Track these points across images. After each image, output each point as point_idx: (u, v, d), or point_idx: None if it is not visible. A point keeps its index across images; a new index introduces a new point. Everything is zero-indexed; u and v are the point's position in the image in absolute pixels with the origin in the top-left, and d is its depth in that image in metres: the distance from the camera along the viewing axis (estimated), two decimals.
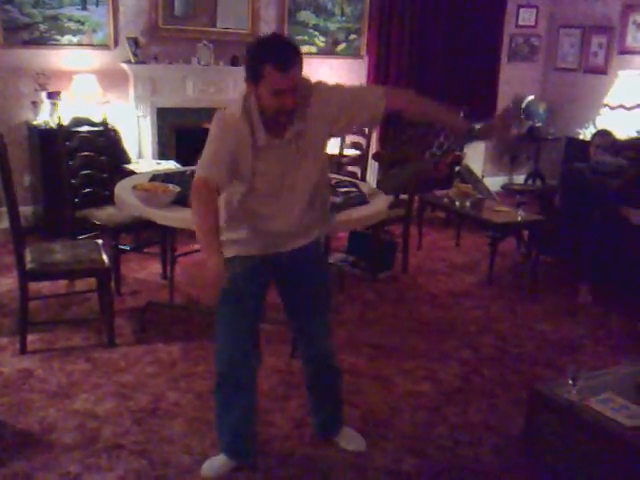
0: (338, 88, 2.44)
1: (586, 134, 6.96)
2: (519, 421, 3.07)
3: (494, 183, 7.50)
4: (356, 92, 2.51)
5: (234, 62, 6.13)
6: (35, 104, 5.51)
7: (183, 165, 5.20)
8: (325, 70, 6.71)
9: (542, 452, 2.88)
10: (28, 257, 3.58)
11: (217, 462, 2.68)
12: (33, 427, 2.92)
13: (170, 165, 5.42)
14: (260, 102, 2.25)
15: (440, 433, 3.06)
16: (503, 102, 7.71)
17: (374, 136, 6.17)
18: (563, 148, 7.38)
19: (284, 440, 2.93)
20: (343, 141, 5.54)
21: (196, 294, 2.30)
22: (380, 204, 3.89)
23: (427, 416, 3.19)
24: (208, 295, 2.27)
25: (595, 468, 2.67)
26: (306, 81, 2.33)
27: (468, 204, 5.26)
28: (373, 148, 6.07)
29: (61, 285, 4.38)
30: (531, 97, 7.70)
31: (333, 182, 4.26)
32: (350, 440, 2.89)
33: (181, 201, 3.57)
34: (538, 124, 7.68)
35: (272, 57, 2.15)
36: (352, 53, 6.87)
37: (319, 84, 2.40)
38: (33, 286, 3.70)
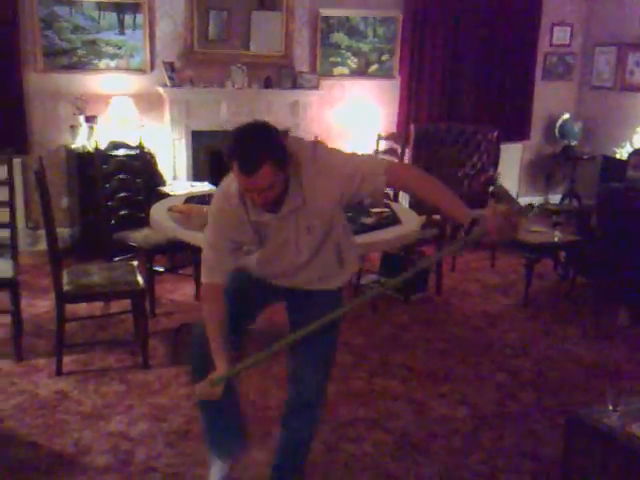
0: (339, 162, 2.23)
1: (622, 153, 6.85)
2: (556, 447, 2.99)
3: (529, 203, 7.40)
4: (358, 166, 2.21)
5: (267, 84, 6.20)
6: (73, 128, 5.63)
7: (217, 186, 5.24)
8: (357, 91, 6.75)
9: (580, 479, 2.80)
10: (65, 279, 3.63)
11: (214, 469, 2.64)
12: (68, 449, 2.95)
13: (204, 187, 5.47)
14: None
15: (476, 459, 3.00)
16: (537, 121, 7.64)
17: (406, 156, 6.16)
18: (599, 167, 7.26)
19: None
20: None
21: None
22: (413, 224, 3.87)
23: (463, 441, 3.14)
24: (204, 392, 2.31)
25: None
26: (297, 156, 2.17)
27: None
28: None
29: (97, 307, 4.44)
30: (566, 115, 7.61)
31: (365, 203, 4.27)
32: None
33: None
34: (573, 143, 7.58)
35: (236, 157, 2.02)
36: (384, 74, 6.88)
37: (317, 155, 2.21)
38: (70, 308, 3.75)
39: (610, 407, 2.77)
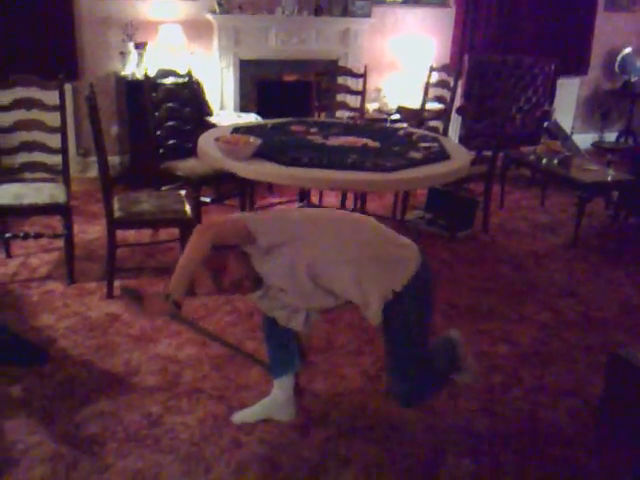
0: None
1: None
2: (598, 386, 2.99)
3: (584, 140, 7.18)
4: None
5: (318, 12, 6.05)
6: (123, 55, 5.62)
7: (264, 118, 5.22)
8: (410, 20, 6.55)
9: (620, 417, 2.80)
10: (116, 205, 3.70)
11: (248, 412, 2.76)
12: (118, 369, 3.07)
13: (251, 118, 5.45)
14: None
15: (516, 395, 3.02)
16: (597, 55, 7.31)
17: (459, 89, 5.99)
18: None
19: (356, 394, 2.96)
20: (426, 94, 5.42)
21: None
22: (462, 160, 3.81)
23: (503, 378, 3.15)
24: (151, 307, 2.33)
25: None
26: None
27: (555, 162, 5.07)
28: (457, 102, 5.89)
29: (146, 234, 4.53)
30: (628, 49, 7.26)
31: (414, 137, 4.20)
32: None
33: (262, 153, 3.60)
34: (634, 79, 7.26)
35: None
36: (439, 2, 6.65)
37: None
38: (119, 234, 3.83)
39: None
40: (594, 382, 3.09)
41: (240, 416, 2.75)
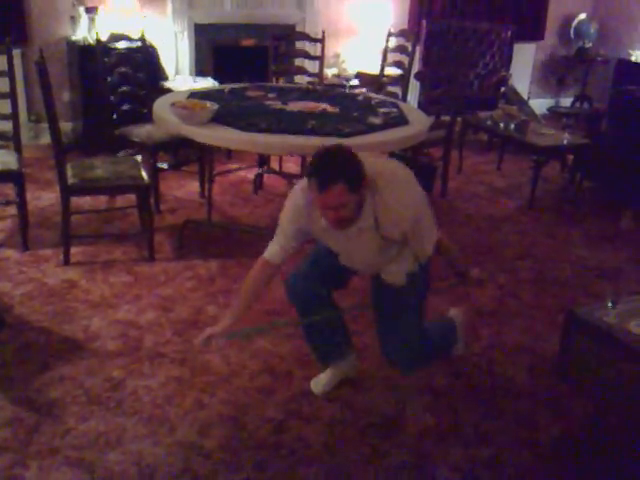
0: (412, 200, 2.31)
1: (638, 56, 6.67)
2: (554, 343, 3.07)
3: (540, 105, 7.27)
4: (421, 228, 2.36)
5: None
6: (73, 19, 5.46)
7: (221, 82, 5.14)
8: None
9: (576, 373, 2.89)
10: (69, 172, 3.62)
11: (322, 377, 2.78)
12: (78, 334, 3.03)
13: (208, 82, 5.36)
14: None
15: (474, 352, 3.09)
16: (552, 21, 7.38)
17: (417, 55, 5.99)
18: (613, 70, 7.09)
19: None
20: (384, 60, 5.40)
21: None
22: (420, 125, 3.81)
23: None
24: (196, 341, 2.44)
25: (631, 389, 2.68)
26: (375, 181, 2.23)
27: (512, 126, 5.13)
28: (415, 67, 5.89)
29: (102, 201, 4.45)
30: (582, 15, 7.35)
31: (374, 102, 4.19)
32: None
33: (219, 119, 3.55)
34: (588, 45, 7.36)
35: (313, 173, 2.15)
36: None
37: (393, 184, 2.28)
38: (75, 201, 3.76)
39: (609, 305, 2.82)
40: (550, 340, 3.17)
41: (318, 385, 2.76)
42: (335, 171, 2.12)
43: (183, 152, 4.91)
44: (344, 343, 2.78)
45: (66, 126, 5.48)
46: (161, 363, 2.86)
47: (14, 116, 3.89)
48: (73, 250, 3.69)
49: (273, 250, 2.42)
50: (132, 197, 4.05)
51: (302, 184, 2.35)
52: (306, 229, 2.40)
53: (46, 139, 4.40)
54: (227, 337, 2.46)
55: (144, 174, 3.75)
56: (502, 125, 5.18)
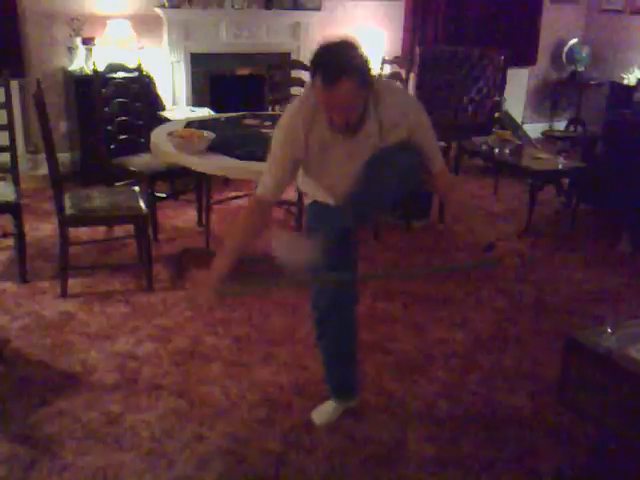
0: (411, 112, 2.27)
1: (630, 79, 6.73)
2: (554, 368, 3.05)
3: (534, 129, 7.33)
4: (429, 142, 2.34)
5: (268, 5, 6.02)
6: (70, 50, 5.50)
7: (217, 111, 5.18)
8: (361, 12, 6.57)
9: (576, 399, 2.87)
10: (67, 203, 3.62)
11: (326, 408, 2.76)
12: (75, 368, 3.01)
13: (204, 112, 5.40)
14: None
15: (474, 379, 3.07)
16: (545, 46, 7.46)
17: (411, 81, 6.04)
18: (606, 93, 7.15)
19: (318, 384, 2.96)
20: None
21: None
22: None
23: (461, 363, 3.20)
24: (197, 294, 2.34)
25: (631, 416, 2.66)
26: (379, 84, 2.20)
27: (507, 151, 5.16)
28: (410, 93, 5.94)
29: (100, 232, 4.45)
30: (574, 40, 7.44)
31: None
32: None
33: (216, 147, 3.57)
34: (580, 69, 7.44)
35: (319, 69, 2.02)
36: None
37: (396, 90, 2.27)
38: (73, 232, 3.76)
39: (609, 330, 2.81)
40: (550, 365, 3.16)
41: (320, 416, 2.73)
42: (344, 63, 2.00)
43: (180, 181, 4.93)
44: (356, 381, 2.78)
45: (64, 157, 5.50)
46: (159, 395, 2.84)
47: (12, 148, 3.91)
48: (71, 281, 3.68)
49: (266, 184, 2.28)
50: (130, 227, 4.05)
51: (294, 104, 2.29)
52: (300, 154, 2.25)
53: (44, 170, 4.43)
54: (225, 294, 2.32)
55: (142, 204, 3.76)
56: (497, 150, 5.21)
